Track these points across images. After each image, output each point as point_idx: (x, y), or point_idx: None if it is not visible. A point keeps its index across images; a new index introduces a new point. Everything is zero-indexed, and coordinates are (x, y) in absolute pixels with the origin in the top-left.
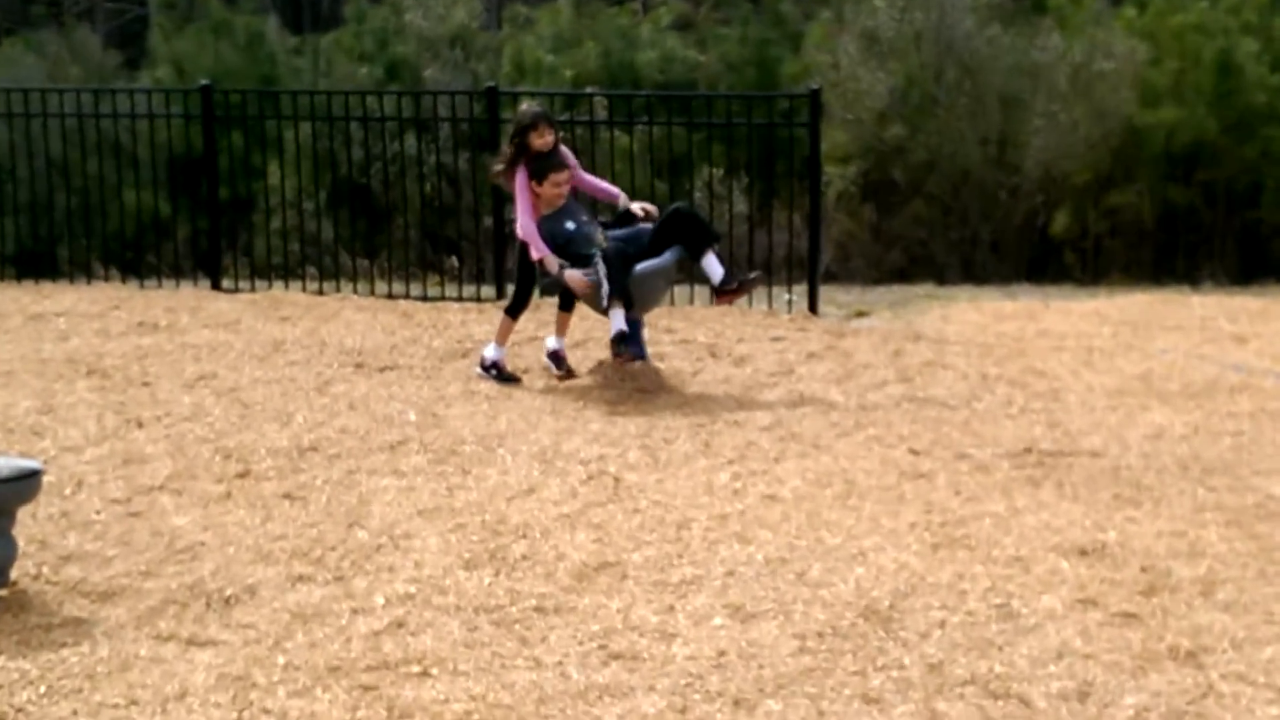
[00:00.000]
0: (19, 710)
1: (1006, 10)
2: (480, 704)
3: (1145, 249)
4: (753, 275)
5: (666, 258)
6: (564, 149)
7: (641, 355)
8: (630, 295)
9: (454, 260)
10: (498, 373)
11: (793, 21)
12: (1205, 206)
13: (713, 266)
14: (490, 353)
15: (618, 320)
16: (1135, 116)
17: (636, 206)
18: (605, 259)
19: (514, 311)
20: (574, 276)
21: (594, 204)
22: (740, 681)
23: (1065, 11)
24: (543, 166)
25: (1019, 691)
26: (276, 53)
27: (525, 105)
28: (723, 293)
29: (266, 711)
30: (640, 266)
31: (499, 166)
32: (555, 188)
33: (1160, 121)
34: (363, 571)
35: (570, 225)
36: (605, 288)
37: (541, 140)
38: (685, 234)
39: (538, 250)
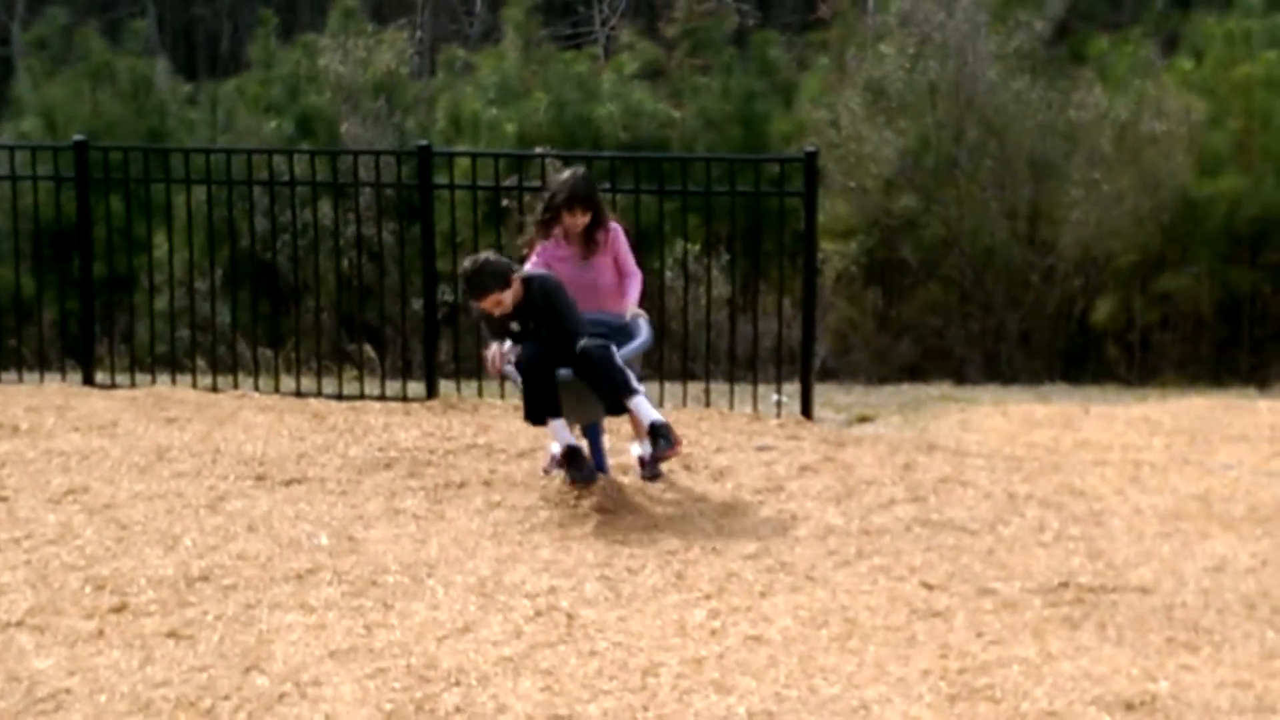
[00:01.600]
0: None
1: (1038, 60)
2: None
3: (1203, 343)
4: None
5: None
6: (614, 230)
7: (590, 477)
8: (559, 406)
9: (371, 352)
10: (568, 462)
11: (785, 71)
12: (1274, 293)
13: (643, 413)
14: (555, 448)
15: (560, 435)
16: (1191, 187)
17: (629, 313)
18: (519, 368)
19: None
20: (488, 355)
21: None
22: None
23: (1108, 62)
24: (476, 286)
25: None
26: (166, 102)
27: (569, 172)
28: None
29: None
30: (563, 372)
31: (532, 232)
32: (485, 310)
33: (1221, 193)
34: None
35: (515, 325)
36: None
37: (573, 221)
38: (594, 383)
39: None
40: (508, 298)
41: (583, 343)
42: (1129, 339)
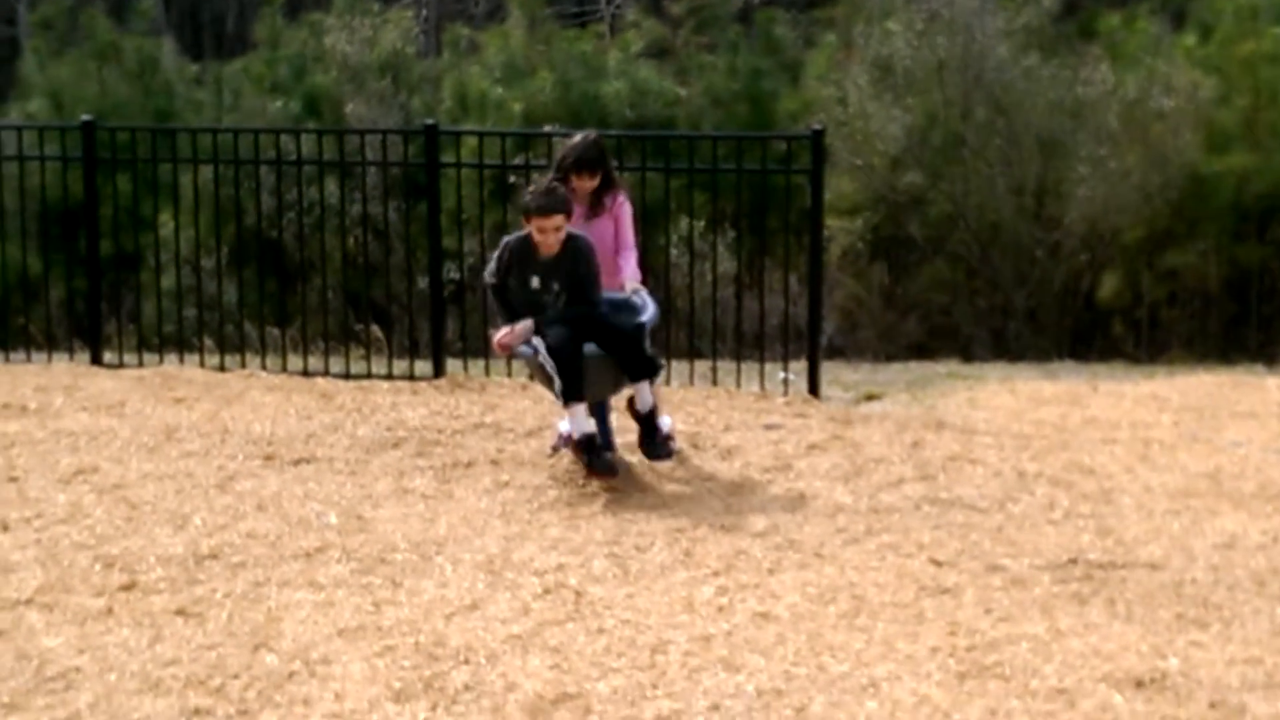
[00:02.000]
0: None
1: (1047, 36)
2: None
3: (1211, 320)
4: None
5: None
6: (621, 199)
7: (609, 468)
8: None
9: (377, 331)
10: (586, 451)
11: (791, 49)
12: None
13: (643, 397)
14: (563, 426)
15: (579, 423)
16: (1199, 163)
17: (629, 287)
18: (551, 349)
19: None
20: (496, 335)
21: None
22: None
23: (1117, 39)
24: (547, 204)
25: None
26: (173, 83)
27: (580, 135)
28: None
29: None
30: (587, 348)
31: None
32: (540, 234)
33: (1229, 169)
34: (272, 704)
35: (535, 283)
36: (557, 384)
37: (580, 184)
38: (624, 358)
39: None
40: (564, 231)
41: (627, 327)
42: (1137, 316)
